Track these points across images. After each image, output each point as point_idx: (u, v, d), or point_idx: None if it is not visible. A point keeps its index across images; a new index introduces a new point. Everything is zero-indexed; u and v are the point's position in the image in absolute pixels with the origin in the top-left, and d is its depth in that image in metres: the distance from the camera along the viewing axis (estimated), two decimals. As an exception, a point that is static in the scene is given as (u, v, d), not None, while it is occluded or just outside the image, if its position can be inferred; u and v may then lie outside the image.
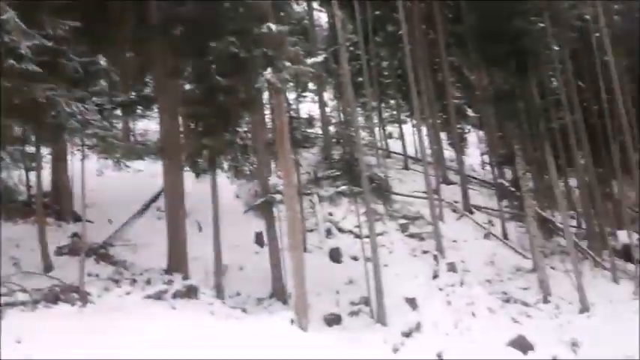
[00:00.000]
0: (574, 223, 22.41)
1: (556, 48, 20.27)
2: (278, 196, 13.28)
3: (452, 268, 16.21)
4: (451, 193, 22.43)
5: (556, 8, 20.11)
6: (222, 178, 14.31)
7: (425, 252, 16.98)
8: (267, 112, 15.89)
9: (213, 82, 11.81)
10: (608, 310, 15.60)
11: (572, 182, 23.94)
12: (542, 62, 19.42)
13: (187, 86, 12.70)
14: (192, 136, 13.13)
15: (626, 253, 20.18)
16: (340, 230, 17.49)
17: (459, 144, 25.84)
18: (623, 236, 20.91)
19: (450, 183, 23.92)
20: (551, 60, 20.31)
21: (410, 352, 12.14)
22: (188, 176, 13.50)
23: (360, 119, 26.31)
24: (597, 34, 20.77)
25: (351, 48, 25.59)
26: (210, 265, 12.54)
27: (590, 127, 21.94)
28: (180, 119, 14.13)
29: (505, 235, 19.90)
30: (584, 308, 15.59)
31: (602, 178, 23.64)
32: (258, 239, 15.47)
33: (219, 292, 12.35)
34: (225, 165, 13.33)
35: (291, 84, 17.51)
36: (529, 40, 16.86)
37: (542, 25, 17.99)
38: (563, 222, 17.64)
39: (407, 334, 12.80)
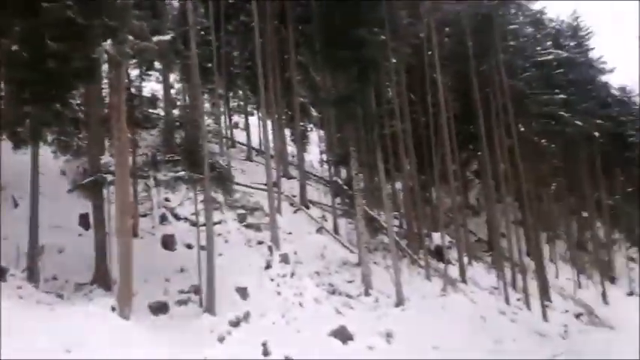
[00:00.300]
0: (397, 223, 24.34)
1: (394, 61, 21.90)
2: (109, 177, 12.48)
3: (284, 259, 16.65)
4: (290, 187, 23.08)
5: (396, 23, 21.67)
6: (47, 152, 13.05)
7: (260, 243, 17.21)
8: (105, 86, 14.83)
9: (44, 46, 10.70)
10: (420, 304, 17.17)
11: (398, 186, 26.05)
12: (380, 72, 20.82)
13: (14, 47, 11.32)
14: (14, 102, 11.75)
15: (438, 253, 22.50)
16: (176, 217, 16.99)
17: (301, 141, 26.66)
18: (437, 238, 23.28)
19: (290, 177, 24.57)
20: (389, 71, 21.89)
21: (236, 341, 12.23)
22: (5, 146, 12.07)
23: (207, 105, 25.86)
24: (429, 53, 22.84)
25: (202, 32, 24.96)
26: (24, 245, 11.36)
27: (417, 137, 24.09)
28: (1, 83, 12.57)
29: (336, 230, 20.99)
30: (400, 302, 16.97)
31: (424, 184, 26.16)
32: (83, 221, 14.37)
33: (33, 275, 11.26)
34: (50, 138, 12.13)
35: (135, 60, 16.55)
36: (370, 50, 17.90)
37: (383, 37, 19.23)
38: (388, 221, 19.08)
39: (235, 324, 12.87)
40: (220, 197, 16.94)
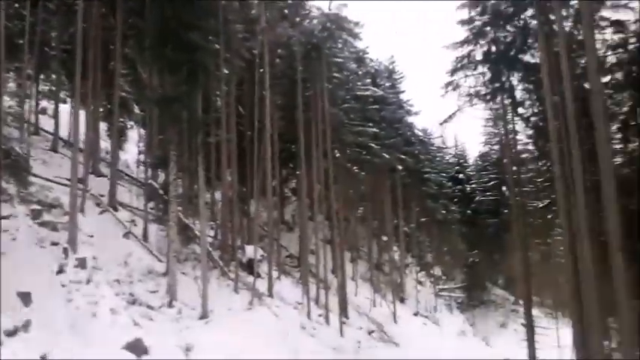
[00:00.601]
0: (212, 233, 24.02)
1: (225, 71, 21.82)
2: None
3: (81, 264, 15.20)
4: (98, 185, 21.39)
5: (231, 36, 21.68)
6: None
7: (55, 244, 15.50)
8: None
9: None
10: (225, 318, 16.93)
11: (218, 195, 25.80)
12: (211, 80, 20.56)
13: None
14: None
15: (249, 267, 22.63)
16: (-47, 207, 14.60)
17: (118, 137, 25.01)
18: (250, 251, 23.42)
19: (100, 175, 22.82)
20: (220, 80, 21.74)
21: (10, 352, 10.79)
22: None
23: (11, 85, 23.08)
24: (261, 70, 23.24)
25: (16, 5, 22.37)
26: None
27: (241, 149, 24.24)
28: None
29: (145, 237, 19.92)
30: (205, 314, 16.62)
31: (243, 196, 26.31)
32: None
33: None
34: None
35: None
36: (202, 56, 17.60)
37: (217, 46, 19.05)
38: (202, 231, 18.68)
39: (11, 333, 11.35)
40: (12, 189, 15.08)
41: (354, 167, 33.47)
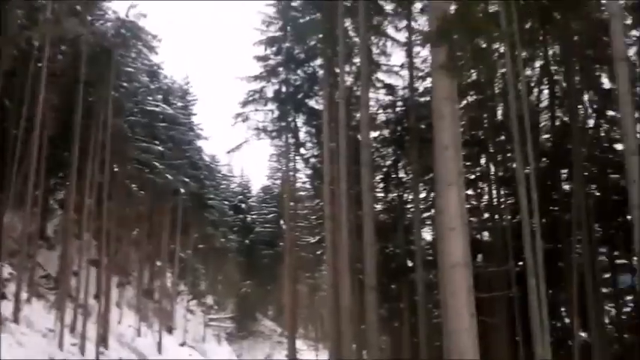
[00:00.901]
0: None
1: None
2: None
3: None
4: None
5: (7, 19, 19.16)
6: None
7: None
8: None
9: None
10: None
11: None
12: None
13: None
14: None
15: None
16: None
17: None
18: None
19: None
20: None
21: None
22: None
23: None
24: (39, 64, 20.80)
25: None
26: None
27: (0, 148, 21.16)
28: None
29: None
30: None
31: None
32: None
33: None
34: None
35: None
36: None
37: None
38: None
39: None
40: None
41: (134, 185, 31.63)
